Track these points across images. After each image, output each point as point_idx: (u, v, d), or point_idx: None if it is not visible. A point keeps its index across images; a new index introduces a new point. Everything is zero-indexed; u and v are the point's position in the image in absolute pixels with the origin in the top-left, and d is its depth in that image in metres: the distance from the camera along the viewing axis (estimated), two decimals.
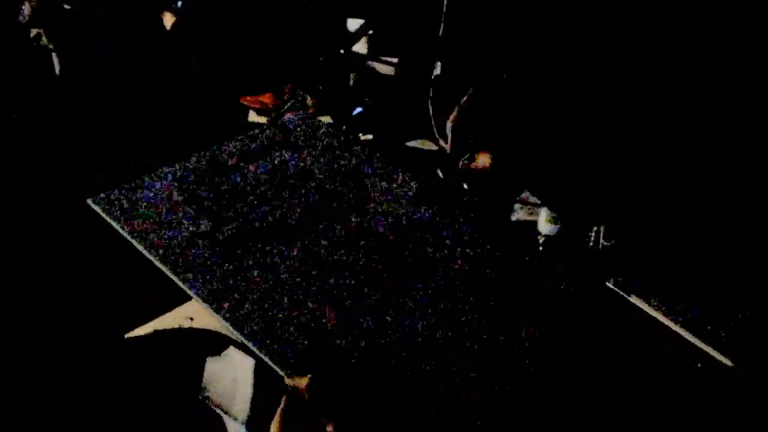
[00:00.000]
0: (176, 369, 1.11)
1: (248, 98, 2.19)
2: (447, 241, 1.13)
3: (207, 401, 1.13)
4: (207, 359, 1.14)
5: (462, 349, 0.99)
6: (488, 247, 1.11)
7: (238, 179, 1.18)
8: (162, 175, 1.18)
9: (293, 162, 1.24)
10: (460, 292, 1.06)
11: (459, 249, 1.12)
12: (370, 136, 2.08)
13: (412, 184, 1.23)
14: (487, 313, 1.03)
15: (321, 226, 1.14)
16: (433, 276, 1.08)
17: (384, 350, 0.98)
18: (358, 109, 2.05)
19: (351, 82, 2.26)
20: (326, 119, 2.17)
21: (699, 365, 1.01)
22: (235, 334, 0.98)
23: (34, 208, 1.39)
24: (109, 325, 1.19)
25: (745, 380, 0.98)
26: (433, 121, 2.02)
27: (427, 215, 1.17)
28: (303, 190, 1.19)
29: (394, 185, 1.24)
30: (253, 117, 2.16)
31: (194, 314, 1.11)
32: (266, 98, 2.19)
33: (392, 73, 2.26)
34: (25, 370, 1.14)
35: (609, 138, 1.12)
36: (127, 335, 1.14)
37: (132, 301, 1.24)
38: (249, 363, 1.10)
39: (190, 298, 1.05)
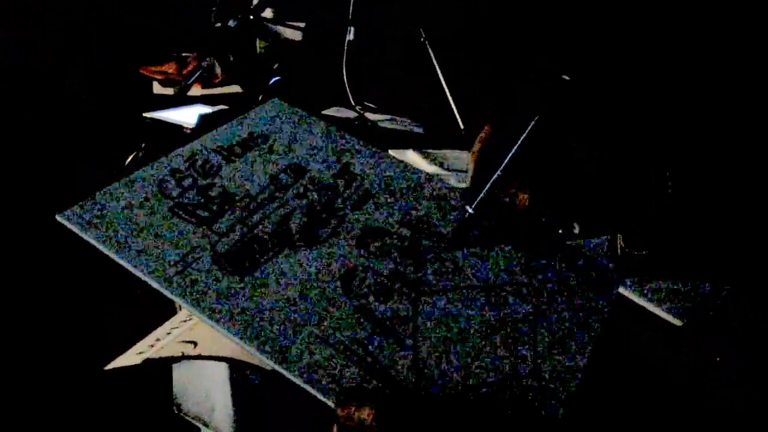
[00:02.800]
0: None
1: (150, 69, 2.05)
2: (466, 238, 1.07)
3: (182, 414, 1.07)
4: (173, 367, 1.07)
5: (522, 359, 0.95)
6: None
7: (226, 178, 1.08)
8: (140, 178, 1.05)
9: (284, 155, 1.15)
10: (494, 287, 1.01)
11: (479, 246, 1.07)
12: None
13: (417, 174, 1.17)
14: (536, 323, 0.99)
15: (330, 225, 1.05)
16: (464, 275, 1.03)
17: (434, 365, 0.91)
18: (275, 78, 1.98)
19: (258, 50, 2.17)
20: (235, 89, 2.08)
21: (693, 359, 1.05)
22: (265, 363, 0.89)
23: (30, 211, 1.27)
24: (93, 347, 1.08)
25: (742, 375, 1.03)
26: (347, 88, 1.99)
27: (434, 208, 1.12)
28: (301, 186, 1.10)
29: (398, 176, 1.17)
30: (158, 89, 2.03)
31: (196, 338, 1.02)
32: (169, 68, 2.07)
33: (300, 38, 2.19)
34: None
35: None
36: (109, 366, 1.02)
37: (116, 312, 1.14)
38: (221, 367, 1.05)
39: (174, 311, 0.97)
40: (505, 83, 1.46)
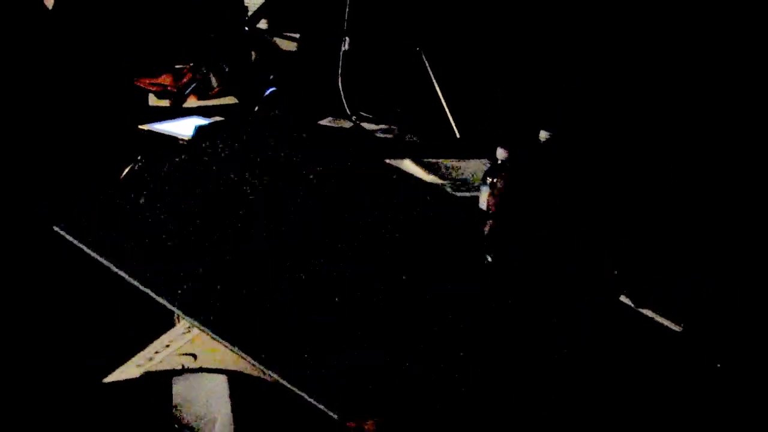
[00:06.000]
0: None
1: (145, 81, 2.06)
2: (454, 245, 1.05)
3: (183, 428, 1.06)
4: (173, 380, 1.06)
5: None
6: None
7: (222, 193, 1.07)
8: (137, 190, 1.04)
9: (278, 172, 1.13)
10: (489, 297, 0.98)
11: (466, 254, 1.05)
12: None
13: (415, 184, 1.15)
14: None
15: (327, 237, 1.04)
16: (455, 279, 1.00)
17: (444, 372, 0.89)
18: (271, 89, 1.98)
19: (253, 60, 2.17)
20: (231, 100, 2.09)
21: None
22: (268, 375, 0.88)
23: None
24: (90, 358, 1.06)
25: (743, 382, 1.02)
26: (343, 98, 2.00)
27: (427, 215, 1.10)
28: (296, 194, 1.09)
29: (396, 187, 1.16)
30: (153, 101, 2.03)
31: (196, 350, 1.01)
32: (165, 80, 2.07)
33: (295, 49, 2.19)
34: None
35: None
36: (107, 379, 1.01)
37: (112, 324, 1.12)
38: (222, 380, 1.04)
39: (171, 324, 0.96)
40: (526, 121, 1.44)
